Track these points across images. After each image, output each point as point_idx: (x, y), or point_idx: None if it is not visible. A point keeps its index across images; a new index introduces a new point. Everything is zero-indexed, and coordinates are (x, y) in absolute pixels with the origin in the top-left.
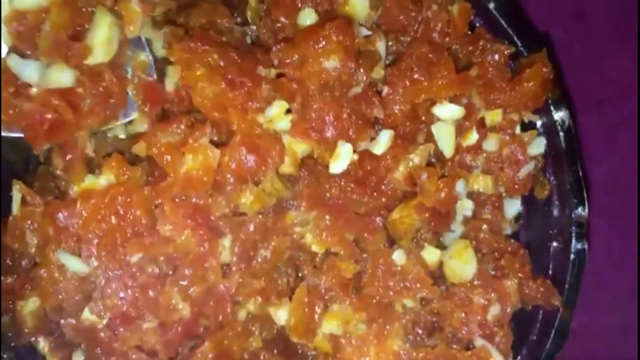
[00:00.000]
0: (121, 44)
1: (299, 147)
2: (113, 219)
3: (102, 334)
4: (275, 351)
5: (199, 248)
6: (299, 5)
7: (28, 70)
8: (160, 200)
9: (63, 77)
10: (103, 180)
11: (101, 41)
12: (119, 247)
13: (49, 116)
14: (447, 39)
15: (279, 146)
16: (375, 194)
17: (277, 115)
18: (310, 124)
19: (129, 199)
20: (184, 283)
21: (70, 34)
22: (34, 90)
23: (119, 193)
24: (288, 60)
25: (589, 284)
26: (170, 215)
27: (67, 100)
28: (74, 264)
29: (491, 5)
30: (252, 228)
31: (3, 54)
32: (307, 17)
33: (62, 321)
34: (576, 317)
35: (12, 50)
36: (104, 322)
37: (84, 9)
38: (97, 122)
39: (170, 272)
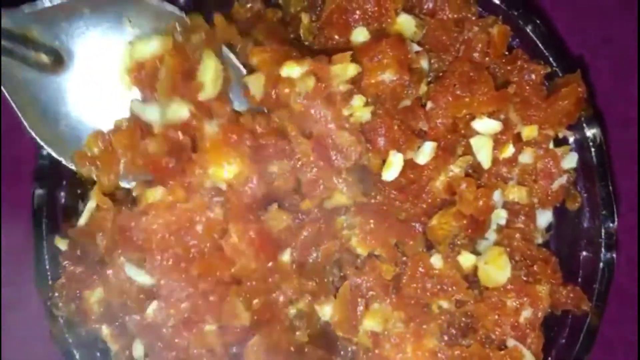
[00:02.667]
0: (224, 80)
1: None
2: (180, 234)
3: (164, 330)
4: (318, 345)
5: (264, 268)
6: (352, 24)
7: (150, 112)
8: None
9: (181, 111)
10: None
11: (210, 78)
12: (183, 261)
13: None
14: (486, 59)
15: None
16: (416, 201)
17: (358, 107)
18: (363, 134)
19: (197, 218)
20: (248, 296)
21: (182, 75)
22: (155, 130)
23: (186, 212)
24: None
25: (611, 295)
26: (237, 241)
27: (186, 133)
28: (139, 277)
29: (529, 28)
30: (306, 234)
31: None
32: (360, 35)
33: (126, 317)
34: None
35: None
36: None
37: (191, 55)
38: None
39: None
